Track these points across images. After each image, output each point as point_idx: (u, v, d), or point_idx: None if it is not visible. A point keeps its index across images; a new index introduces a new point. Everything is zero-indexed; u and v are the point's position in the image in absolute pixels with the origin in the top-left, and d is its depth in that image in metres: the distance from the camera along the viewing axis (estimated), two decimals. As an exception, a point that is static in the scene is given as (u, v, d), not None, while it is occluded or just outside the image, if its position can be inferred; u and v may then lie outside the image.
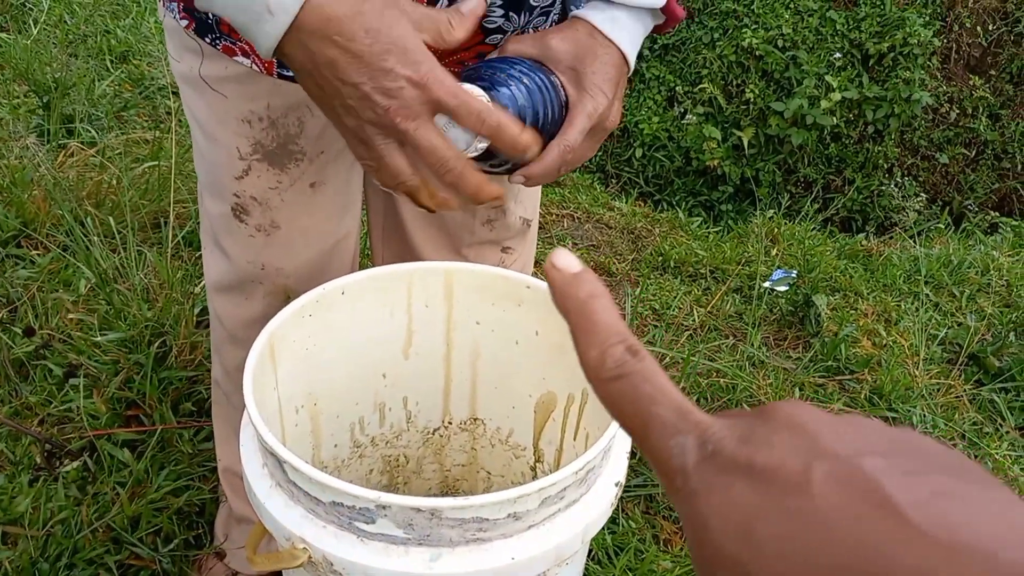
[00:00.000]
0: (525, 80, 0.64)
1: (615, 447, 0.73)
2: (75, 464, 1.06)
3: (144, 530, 0.99)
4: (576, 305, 0.30)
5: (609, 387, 0.27)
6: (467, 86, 0.58)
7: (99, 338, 1.20)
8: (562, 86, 0.66)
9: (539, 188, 1.05)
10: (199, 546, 1.04)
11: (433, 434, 1.02)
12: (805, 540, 0.21)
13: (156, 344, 1.19)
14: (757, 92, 3.62)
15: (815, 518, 0.21)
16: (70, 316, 1.26)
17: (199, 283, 1.34)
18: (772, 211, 2.52)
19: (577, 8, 0.71)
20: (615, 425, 0.67)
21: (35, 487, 1.03)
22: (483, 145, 0.61)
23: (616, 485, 0.71)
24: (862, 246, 2.33)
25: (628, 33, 0.67)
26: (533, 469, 0.99)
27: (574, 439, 0.90)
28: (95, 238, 1.42)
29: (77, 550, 0.95)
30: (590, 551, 1.08)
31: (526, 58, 0.66)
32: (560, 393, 0.91)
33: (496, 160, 0.66)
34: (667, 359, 1.58)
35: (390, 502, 0.59)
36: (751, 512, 0.22)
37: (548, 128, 0.66)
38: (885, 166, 3.82)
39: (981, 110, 3.95)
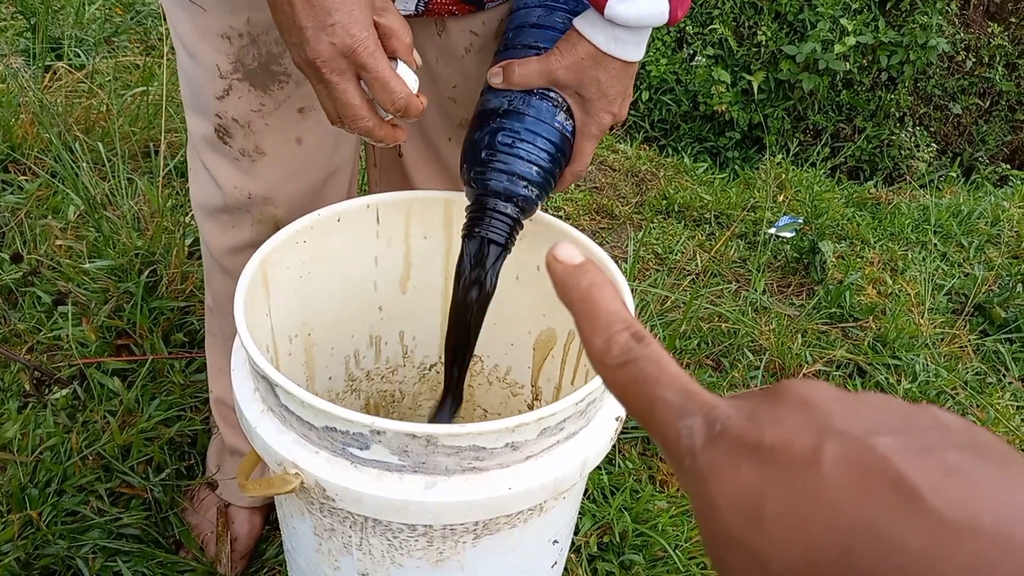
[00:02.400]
0: (541, 143, 0.71)
1: (616, 381, 0.72)
2: (64, 392, 1.05)
3: (135, 459, 0.99)
4: (579, 295, 0.30)
5: (615, 374, 0.27)
6: (401, 68, 0.64)
7: (88, 265, 1.18)
8: (569, 111, 0.72)
9: None
10: (191, 476, 1.04)
11: (429, 370, 1.01)
12: (814, 520, 0.20)
13: (146, 273, 1.18)
14: (769, 35, 3.54)
15: (824, 498, 0.20)
16: (58, 243, 1.24)
17: (190, 212, 1.32)
18: (780, 156, 2.48)
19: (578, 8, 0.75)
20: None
21: (24, 414, 1.02)
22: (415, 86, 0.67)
23: (616, 420, 0.70)
24: (871, 194, 2.30)
25: (633, 45, 0.70)
26: (531, 407, 0.98)
27: (573, 377, 0.89)
28: (84, 164, 1.39)
29: (67, 477, 0.95)
30: (586, 490, 1.08)
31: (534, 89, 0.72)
32: (560, 330, 0.89)
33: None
34: (669, 302, 1.57)
35: (385, 427, 0.58)
36: (759, 492, 0.22)
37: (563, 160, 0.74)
38: (897, 115, 3.77)
39: (998, 59, 3.88)
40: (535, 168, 0.72)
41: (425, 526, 0.65)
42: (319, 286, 0.85)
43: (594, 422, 0.68)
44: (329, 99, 0.63)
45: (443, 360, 0.80)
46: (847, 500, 0.20)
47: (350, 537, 0.69)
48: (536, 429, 0.61)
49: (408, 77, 0.65)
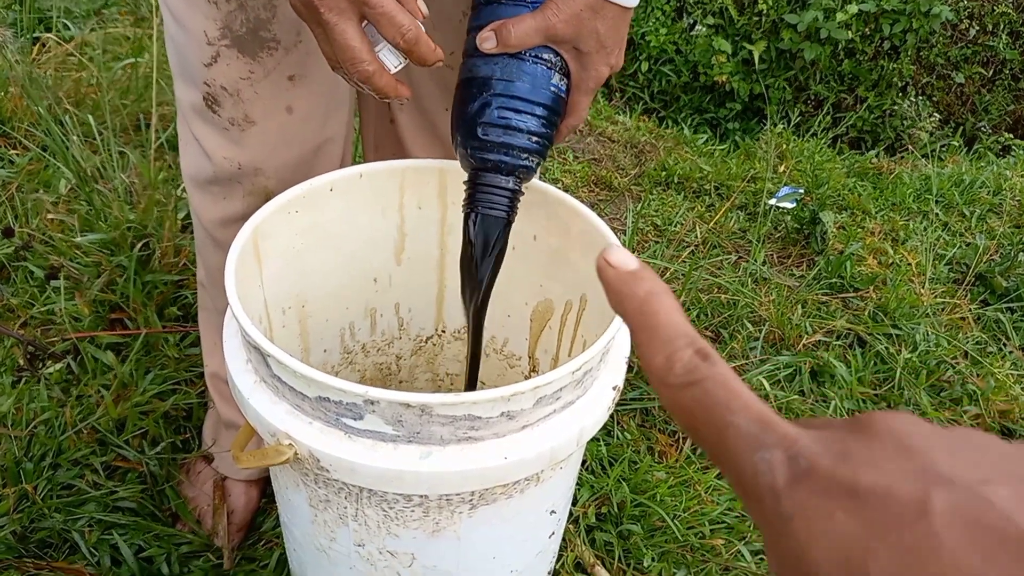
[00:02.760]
0: (539, 111, 0.69)
1: (613, 351, 0.72)
2: (58, 366, 1.04)
3: (130, 433, 0.99)
4: (636, 305, 0.28)
5: (679, 395, 0.25)
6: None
7: (80, 239, 1.17)
8: (563, 70, 0.69)
9: None
10: (187, 450, 1.04)
11: (426, 342, 1.00)
12: None
13: (139, 247, 1.16)
14: (770, 3, 3.49)
15: (938, 557, 0.19)
16: (50, 217, 1.23)
17: (182, 185, 1.30)
18: (781, 126, 2.46)
19: None
20: (613, 327, 0.65)
21: (18, 388, 1.02)
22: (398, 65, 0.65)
23: (614, 389, 0.69)
24: (872, 164, 2.29)
25: None
26: (528, 379, 0.97)
27: (571, 348, 0.88)
28: (74, 138, 1.38)
29: (62, 451, 0.95)
30: (584, 462, 1.08)
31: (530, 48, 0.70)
32: (557, 300, 0.89)
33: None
34: (668, 273, 1.56)
35: (378, 397, 0.57)
36: (860, 545, 0.20)
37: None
38: (899, 84, 3.73)
39: (1002, 27, 3.83)
40: (534, 139, 0.70)
41: (421, 496, 0.65)
42: (312, 257, 0.84)
43: (591, 391, 0.68)
44: (327, 41, 0.60)
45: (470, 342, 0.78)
46: (966, 561, 0.18)
47: (345, 508, 0.68)
48: (532, 398, 0.61)
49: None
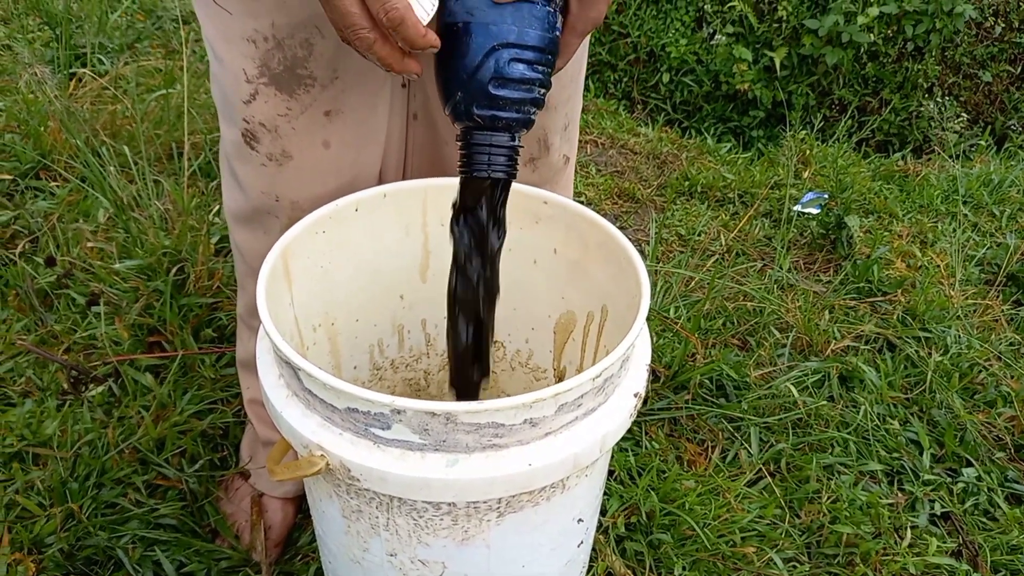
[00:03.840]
0: (548, 59, 0.63)
1: (633, 358, 0.73)
2: (100, 389, 1.08)
3: (169, 451, 1.02)
4: None
5: None
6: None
7: (118, 265, 1.22)
8: (567, 3, 0.64)
9: (578, 120, 1.02)
10: (225, 467, 1.07)
11: (452, 356, 1.02)
12: None
13: (174, 271, 1.21)
14: (790, 9, 3.49)
15: None
16: (89, 245, 1.27)
17: (214, 209, 1.35)
18: (804, 132, 2.46)
19: None
20: (632, 335, 0.67)
21: (62, 411, 1.06)
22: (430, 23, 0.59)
23: (635, 396, 0.71)
24: (898, 167, 2.27)
25: None
26: (553, 388, 0.99)
27: (594, 358, 0.90)
28: (111, 168, 1.43)
29: (105, 470, 0.98)
30: (612, 472, 1.09)
31: None
32: (579, 312, 0.90)
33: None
34: (692, 283, 1.57)
35: (404, 406, 0.59)
36: None
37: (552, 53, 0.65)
38: (925, 85, 3.70)
39: (1030, 23, 3.78)
40: (542, 91, 0.64)
41: (449, 504, 0.67)
42: (340, 276, 0.87)
43: (612, 398, 0.69)
44: (331, 9, 0.58)
45: (461, 330, 0.75)
46: None
47: (376, 518, 0.70)
48: (554, 405, 0.62)
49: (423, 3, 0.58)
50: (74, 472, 0.97)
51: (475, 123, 0.64)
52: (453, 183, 0.88)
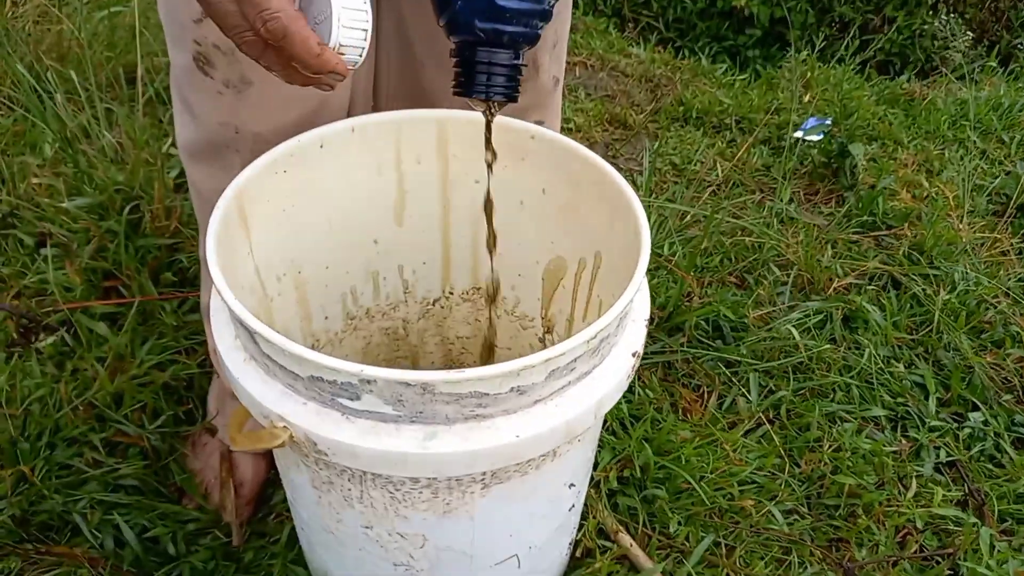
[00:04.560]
0: None
1: (631, 314, 0.67)
2: (52, 339, 1.02)
3: (129, 406, 0.96)
4: None
5: None
6: None
7: (67, 204, 1.13)
8: None
9: (567, 38, 0.94)
10: (190, 422, 1.01)
11: (433, 305, 0.96)
12: None
13: (128, 209, 1.12)
14: (792, -81, 3.32)
15: None
16: (35, 181, 1.19)
17: (170, 141, 1.25)
18: (805, 52, 2.35)
19: None
20: (631, 290, 0.60)
21: (11, 363, 0.99)
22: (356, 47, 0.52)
23: (633, 356, 0.65)
24: (903, 90, 2.19)
25: None
26: (542, 340, 0.93)
27: (586, 308, 0.84)
28: (57, 96, 1.33)
29: (59, 428, 0.92)
30: (605, 422, 1.04)
31: None
32: (570, 258, 0.84)
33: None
34: (688, 217, 1.50)
35: (374, 375, 0.53)
36: None
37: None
38: (929, 2, 3.57)
39: (1041, -66, 3.63)
40: (553, 1, 0.57)
41: (428, 478, 0.61)
42: (306, 220, 0.79)
43: (608, 359, 0.63)
44: (206, 6, 0.51)
45: None
46: None
47: (349, 490, 0.65)
48: (544, 371, 0.57)
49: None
50: (25, 431, 0.91)
51: (475, 37, 0.57)
52: (428, 115, 0.80)
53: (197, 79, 0.74)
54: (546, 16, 0.57)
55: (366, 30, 0.52)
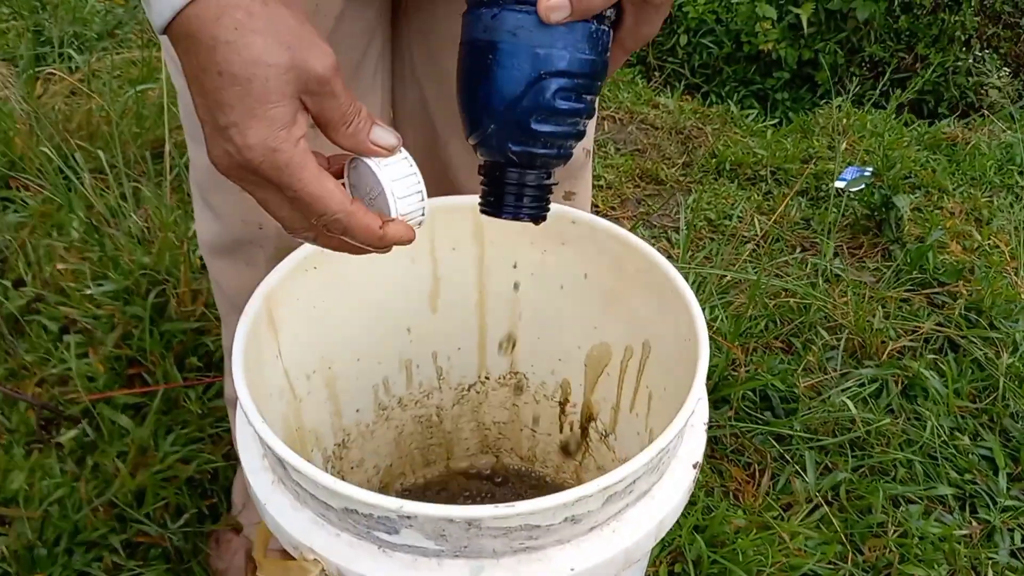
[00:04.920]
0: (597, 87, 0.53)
1: (690, 418, 0.62)
2: (73, 433, 0.98)
3: (151, 505, 0.92)
4: None
5: None
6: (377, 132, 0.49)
7: (92, 290, 1.11)
8: (620, 17, 0.52)
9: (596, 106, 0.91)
10: (215, 517, 0.97)
11: (468, 391, 0.92)
12: None
13: (154, 293, 1.10)
14: (817, -38, 3.31)
15: None
16: (60, 266, 1.17)
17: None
18: (840, 99, 2.31)
19: None
20: (694, 397, 0.56)
21: (31, 459, 0.96)
22: (415, 211, 0.51)
23: (694, 467, 0.60)
24: (944, 134, 2.13)
25: None
26: (584, 428, 0.89)
27: (634, 397, 0.79)
28: (85, 176, 1.32)
29: (78, 531, 0.89)
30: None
31: None
32: (615, 345, 0.79)
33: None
34: (726, 280, 1.45)
35: (415, 512, 0.49)
36: None
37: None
38: (962, 38, 3.52)
39: (1075, -33, 3.59)
40: (587, 121, 0.54)
41: (472, 614, 0.56)
42: (336, 315, 0.76)
43: (667, 474, 0.58)
44: (263, 206, 0.50)
45: None
46: None
47: (386, 621, 0.60)
48: (600, 499, 0.52)
49: (388, 171, 0.49)
50: (42, 535, 0.87)
51: (507, 160, 0.54)
52: (464, 202, 0.77)
53: (219, 179, 0.71)
54: (580, 136, 0.54)
55: (421, 191, 0.51)
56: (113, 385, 1.04)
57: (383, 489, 0.94)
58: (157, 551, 0.91)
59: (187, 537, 0.92)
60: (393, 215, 0.50)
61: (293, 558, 0.59)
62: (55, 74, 1.59)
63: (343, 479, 0.84)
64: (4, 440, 1.01)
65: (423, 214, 0.52)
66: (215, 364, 1.11)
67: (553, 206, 0.76)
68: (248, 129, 0.44)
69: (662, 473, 0.58)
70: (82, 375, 1.03)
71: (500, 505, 0.48)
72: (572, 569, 0.53)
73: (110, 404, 1.02)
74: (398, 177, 0.50)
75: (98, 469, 0.95)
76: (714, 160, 2.02)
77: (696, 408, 0.62)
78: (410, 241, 0.51)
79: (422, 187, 0.51)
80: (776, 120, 2.54)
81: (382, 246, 0.50)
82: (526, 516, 0.49)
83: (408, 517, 0.50)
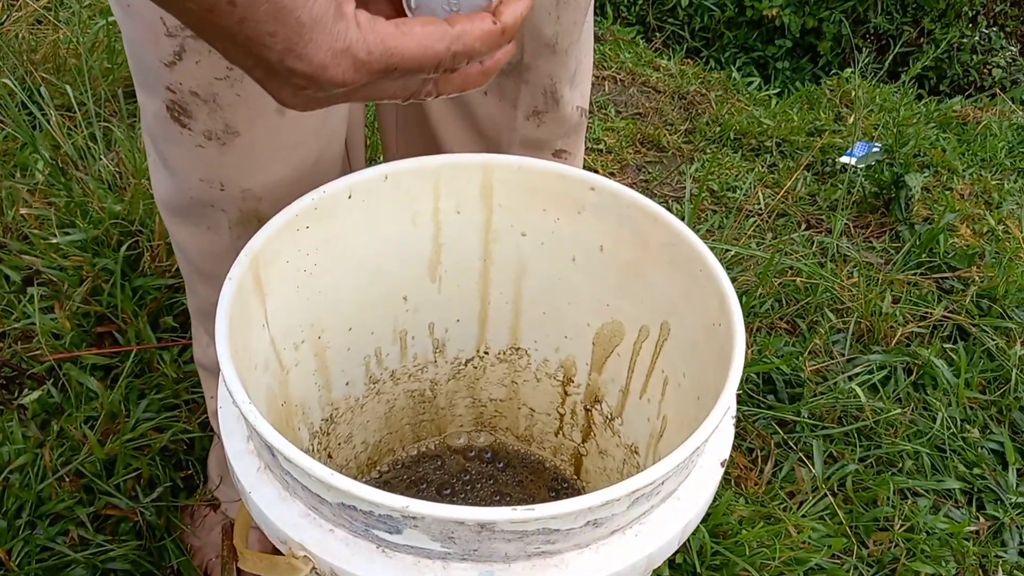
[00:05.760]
0: None
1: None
2: (37, 394, 0.92)
3: (121, 475, 0.87)
4: None
5: None
6: None
7: (58, 239, 1.04)
8: None
9: (591, 66, 0.85)
10: (190, 488, 0.92)
11: (465, 365, 0.87)
12: None
13: (126, 246, 1.03)
14: (827, -74, 3.23)
15: None
16: (23, 211, 1.09)
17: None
18: (849, 70, 2.26)
19: None
20: (730, 391, 0.51)
21: (-9, 422, 0.90)
22: None
23: (721, 465, 0.55)
24: (955, 112, 2.09)
25: None
26: (587, 409, 0.84)
27: (646, 381, 0.74)
28: (52, 113, 1.24)
29: (41, 502, 0.83)
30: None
31: None
32: (629, 324, 0.74)
33: None
34: (730, 255, 1.40)
35: (422, 512, 0.44)
36: None
37: None
38: (969, 14, 3.47)
39: (1087, -55, 3.54)
40: None
41: (477, 620, 0.52)
42: (328, 279, 0.70)
43: (694, 473, 0.54)
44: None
45: None
46: None
47: (379, 621, 0.56)
48: (627, 502, 0.47)
49: None
50: (2, 506, 0.82)
51: None
52: (474, 160, 0.71)
53: (172, 131, 0.63)
54: None
55: None
56: (81, 344, 0.98)
57: (371, 466, 0.89)
58: (128, 525, 0.86)
59: (160, 512, 0.87)
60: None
61: (278, 549, 0.54)
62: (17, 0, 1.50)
63: (330, 456, 0.79)
64: (-40, 399, 0.94)
65: None
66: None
67: (571, 170, 0.71)
68: (307, 47, 0.36)
69: (689, 472, 0.53)
70: (47, 332, 0.97)
71: (518, 508, 0.44)
72: (591, 577, 0.48)
73: (77, 364, 0.96)
74: None
75: (64, 435, 0.89)
76: (718, 128, 1.96)
77: (731, 403, 0.57)
78: (529, 8, 0.44)
79: None
80: (777, 90, 2.48)
81: (509, 39, 0.43)
82: (546, 520, 0.45)
83: (414, 517, 0.45)
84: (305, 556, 0.49)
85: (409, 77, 0.41)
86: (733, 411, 0.59)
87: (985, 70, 3.47)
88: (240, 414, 0.54)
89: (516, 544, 0.47)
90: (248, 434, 0.54)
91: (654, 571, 0.90)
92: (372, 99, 0.43)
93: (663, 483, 0.49)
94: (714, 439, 0.56)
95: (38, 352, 0.99)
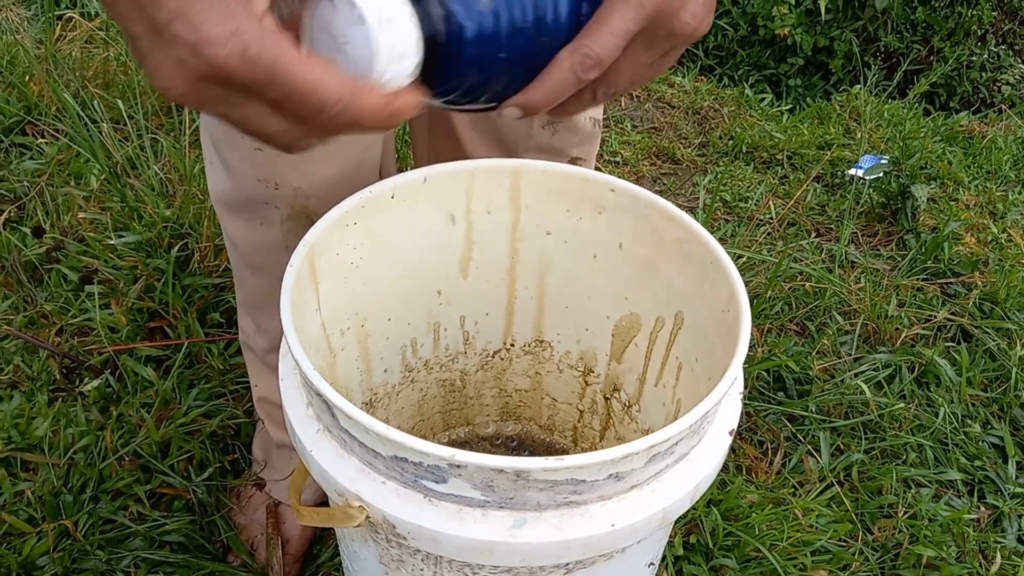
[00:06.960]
0: None
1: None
2: (96, 382, 0.99)
3: (175, 457, 0.94)
4: None
5: None
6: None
7: (114, 240, 1.11)
8: None
9: None
10: (236, 472, 0.98)
11: (493, 356, 0.93)
12: None
13: (177, 247, 1.10)
14: (837, -53, 3.30)
15: None
16: (81, 215, 1.17)
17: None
18: (858, 87, 2.32)
19: None
20: (737, 364, 0.57)
21: (54, 407, 0.97)
22: (406, 63, 0.41)
23: (729, 434, 0.61)
24: (962, 127, 2.14)
25: None
26: (607, 399, 0.90)
27: (661, 368, 0.80)
28: (104, 125, 1.32)
29: (103, 479, 0.90)
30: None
31: None
32: (646, 316, 0.80)
33: (469, 94, 0.46)
34: (743, 260, 1.46)
35: (466, 461, 0.50)
36: None
37: (550, 36, 0.45)
38: (978, 32, 3.52)
39: (1095, -35, 3.58)
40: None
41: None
42: (371, 272, 0.77)
43: (705, 439, 0.60)
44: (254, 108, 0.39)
45: None
46: None
47: (422, 571, 0.62)
48: (645, 457, 0.53)
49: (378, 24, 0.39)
50: (68, 482, 0.89)
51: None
52: (504, 165, 0.78)
53: (233, 135, 0.70)
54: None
55: (411, 46, 0.40)
56: (135, 337, 1.05)
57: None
58: (181, 503, 0.92)
59: (210, 491, 0.94)
60: (378, 70, 0.39)
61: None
62: (72, 18, 1.58)
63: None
64: (26, 387, 1.02)
65: (416, 66, 0.41)
66: (235, 321, 1.12)
67: (593, 174, 0.77)
68: (200, 15, 0.33)
69: (700, 437, 0.59)
70: (104, 326, 1.04)
71: (550, 458, 0.50)
72: (612, 525, 0.54)
73: (132, 356, 1.03)
74: (386, 16, 0.39)
75: (122, 419, 0.96)
76: (730, 142, 2.02)
77: (737, 375, 0.63)
78: (420, 108, 0.42)
79: (414, 35, 0.40)
80: (789, 106, 2.54)
81: (391, 126, 0.41)
82: (574, 470, 0.51)
83: (458, 466, 0.51)
84: (360, 506, 0.56)
85: (293, 111, 0.38)
86: (740, 386, 0.65)
87: (995, 87, 3.51)
88: (301, 383, 0.61)
89: (547, 493, 0.53)
90: (308, 401, 0.61)
91: (670, 550, 0.95)
92: (245, 126, 0.40)
93: (677, 443, 0.55)
94: (723, 410, 0.62)
95: (94, 346, 1.07)
